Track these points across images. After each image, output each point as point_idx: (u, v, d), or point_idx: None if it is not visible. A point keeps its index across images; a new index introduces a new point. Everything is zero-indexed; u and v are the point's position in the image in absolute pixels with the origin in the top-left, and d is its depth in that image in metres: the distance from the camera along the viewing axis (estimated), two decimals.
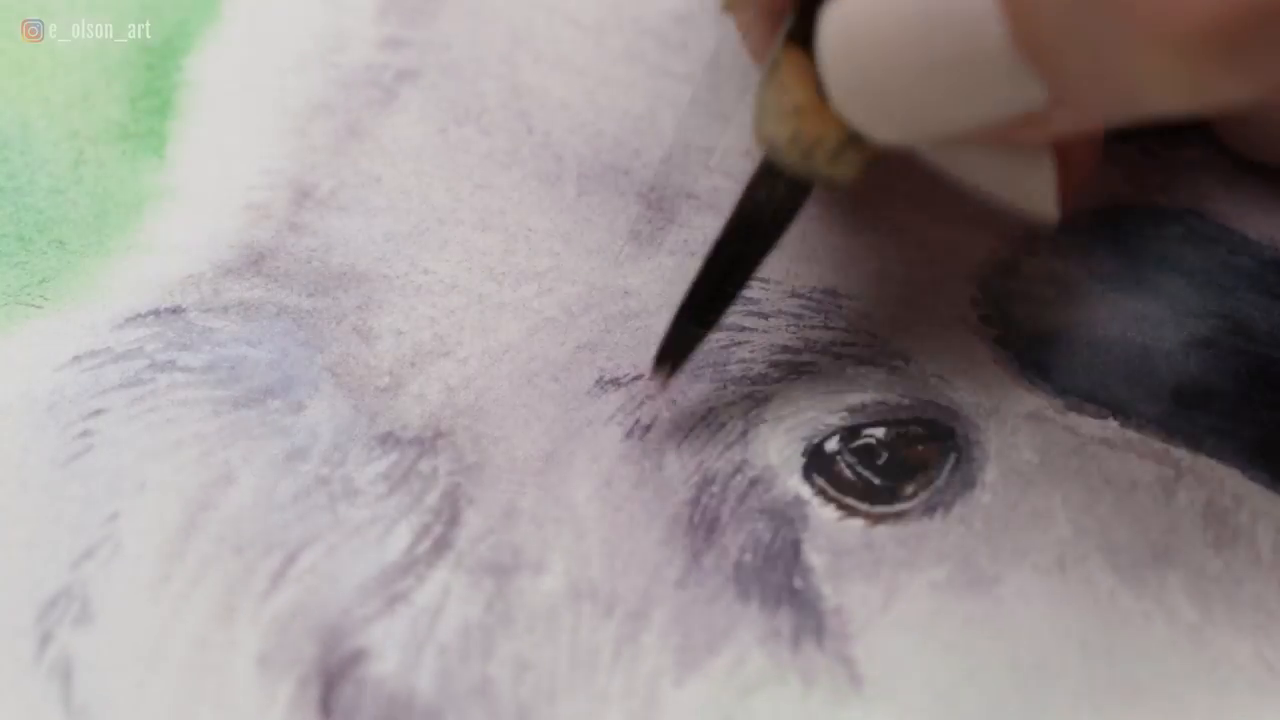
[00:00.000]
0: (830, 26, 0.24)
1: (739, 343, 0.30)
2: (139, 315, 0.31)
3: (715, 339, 0.30)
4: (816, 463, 0.29)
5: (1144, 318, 0.31)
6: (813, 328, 0.30)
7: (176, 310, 0.31)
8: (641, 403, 0.30)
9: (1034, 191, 0.26)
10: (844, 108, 0.24)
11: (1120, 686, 0.27)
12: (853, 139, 0.25)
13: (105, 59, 0.34)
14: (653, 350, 0.29)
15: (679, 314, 0.29)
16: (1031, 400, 0.30)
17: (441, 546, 0.28)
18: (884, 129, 0.24)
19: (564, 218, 0.32)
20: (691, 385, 0.30)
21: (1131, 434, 0.29)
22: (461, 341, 0.30)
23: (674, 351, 0.29)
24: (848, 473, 0.29)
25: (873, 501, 0.29)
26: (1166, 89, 0.21)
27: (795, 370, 0.30)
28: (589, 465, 0.29)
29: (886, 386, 0.30)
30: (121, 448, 0.29)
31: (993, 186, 0.26)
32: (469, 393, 0.30)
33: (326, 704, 0.26)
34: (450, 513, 0.28)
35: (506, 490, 0.29)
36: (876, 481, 0.29)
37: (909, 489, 0.29)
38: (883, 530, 0.28)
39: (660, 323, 0.30)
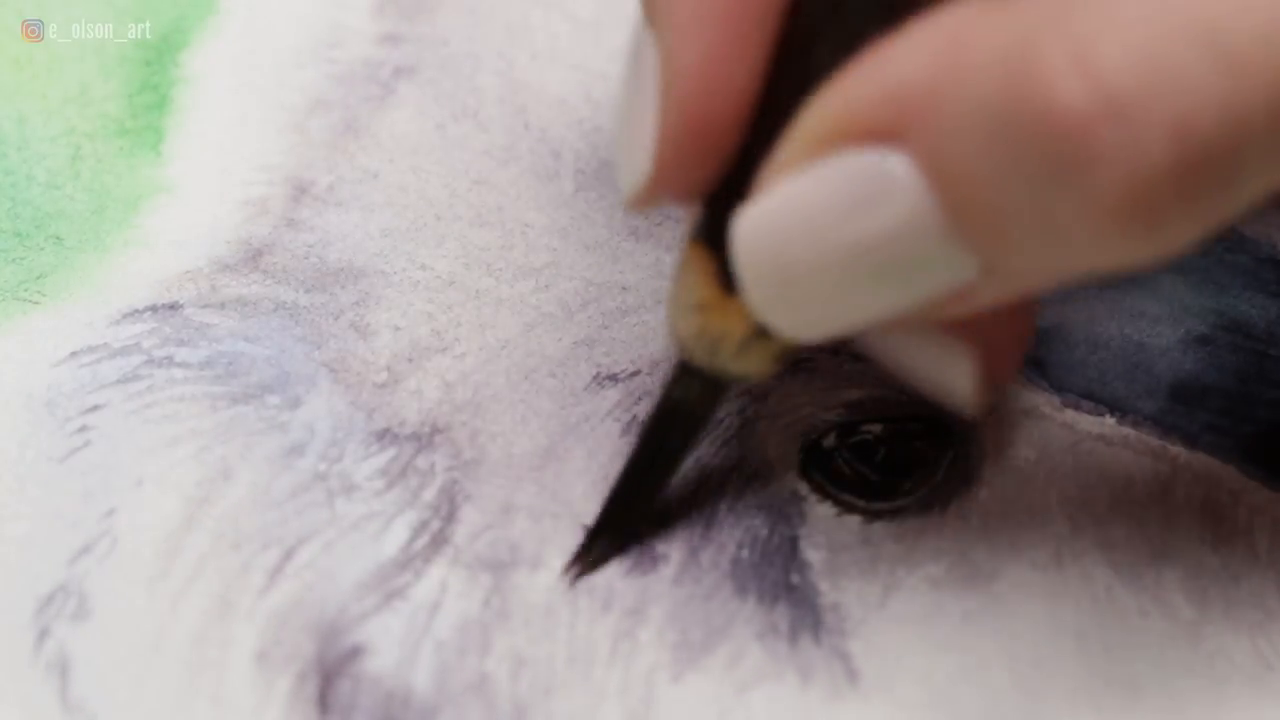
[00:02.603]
0: (745, 225, 0.23)
1: None
2: (136, 311, 0.31)
3: None
4: (814, 459, 0.29)
5: (1141, 315, 0.31)
6: None
7: (174, 306, 0.31)
8: (639, 399, 0.30)
9: (952, 384, 0.25)
10: (761, 306, 0.24)
11: (1117, 682, 0.27)
12: (758, 334, 0.25)
13: (103, 55, 0.34)
14: (651, 346, 0.29)
15: (601, 517, 0.28)
16: (1028, 397, 0.30)
17: (439, 542, 0.28)
18: (806, 323, 0.24)
19: (561, 213, 0.32)
20: None
21: (1128, 431, 0.29)
22: (459, 337, 0.30)
23: (594, 553, 0.28)
24: (845, 469, 0.29)
25: (870, 498, 0.29)
26: (1121, 249, 0.21)
27: (792, 366, 0.30)
28: (586, 461, 0.29)
29: (884, 383, 0.30)
30: (119, 444, 0.29)
31: (913, 376, 0.26)
32: (466, 388, 0.30)
33: (324, 700, 0.26)
34: (448, 509, 0.28)
35: (504, 486, 0.29)
36: (874, 478, 0.29)
37: (906, 485, 0.29)
38: (880, 526, 0.28)
39: (658, 319, 0.30)
